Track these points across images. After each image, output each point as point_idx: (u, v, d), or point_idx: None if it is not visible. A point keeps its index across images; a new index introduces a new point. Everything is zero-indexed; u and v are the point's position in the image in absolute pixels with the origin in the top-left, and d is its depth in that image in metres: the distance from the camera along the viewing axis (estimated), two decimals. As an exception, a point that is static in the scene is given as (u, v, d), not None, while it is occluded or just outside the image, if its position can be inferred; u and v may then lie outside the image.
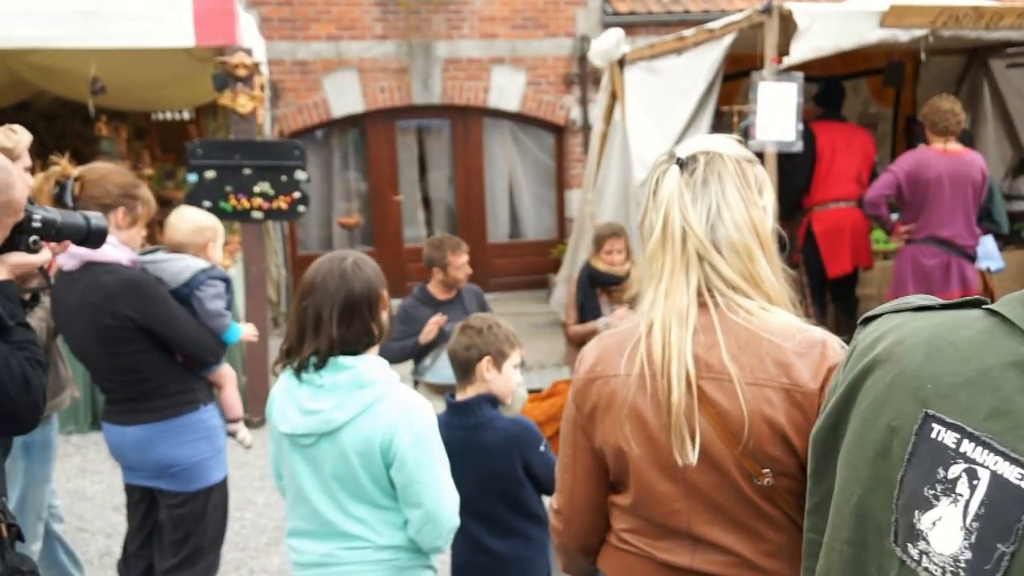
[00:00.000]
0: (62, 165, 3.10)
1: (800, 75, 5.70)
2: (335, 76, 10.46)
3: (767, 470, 1.71)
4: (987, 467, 1.04)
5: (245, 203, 6.67)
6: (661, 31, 10.25)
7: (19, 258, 2.33)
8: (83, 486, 5.93)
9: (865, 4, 5.85)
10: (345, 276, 2.47)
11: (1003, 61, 7.76)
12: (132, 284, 3.21)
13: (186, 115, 10.99)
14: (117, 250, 3.19)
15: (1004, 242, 7.11)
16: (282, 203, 6.78)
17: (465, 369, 3.06)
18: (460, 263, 5.28)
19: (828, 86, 7.03)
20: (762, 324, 1.74)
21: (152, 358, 3.30)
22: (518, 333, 3.23)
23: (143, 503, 3.57)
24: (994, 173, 7.06)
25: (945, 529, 1.06)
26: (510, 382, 3.10)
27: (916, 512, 1.10)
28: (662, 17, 10.96)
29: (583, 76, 11.01)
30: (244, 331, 3.63)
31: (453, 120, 11.13)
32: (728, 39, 6.20)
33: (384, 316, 2.55)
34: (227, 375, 3.59)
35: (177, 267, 3.38)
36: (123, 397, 3.36)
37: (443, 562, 2.94)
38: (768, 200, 1.88)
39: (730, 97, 7.35)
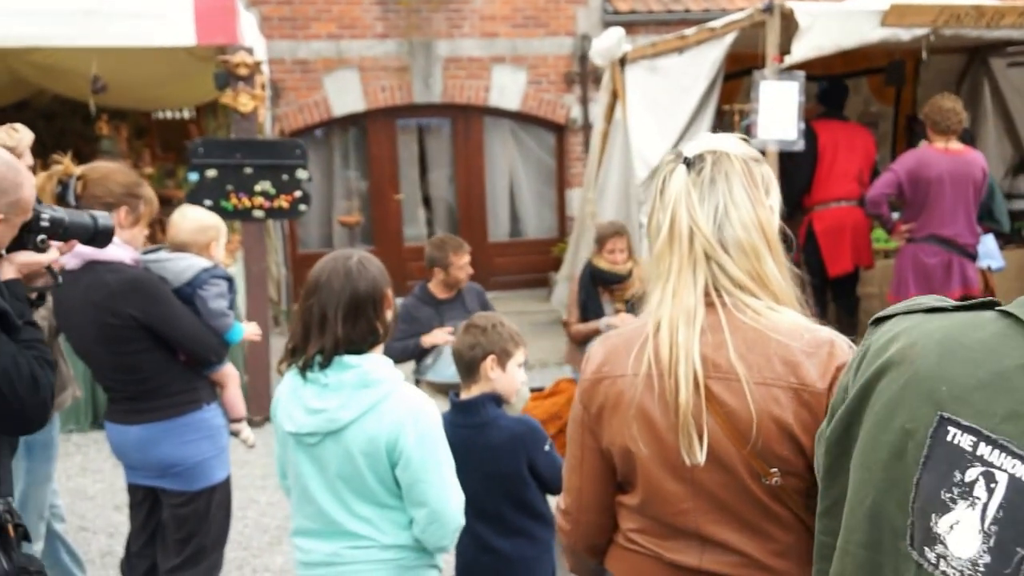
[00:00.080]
0: (65, 164, 3.10)
1: (802, 74, 5.70)
2: (336, 75, 10.45)
3: (775, 470, 1.71)
4: (1005, 470, 1.03)
5: (246, 202, 6.66)
6: (662, 30, 10.23)
7: (27, 257, 2.33)
8: (84, 485, 5.93)
9: (866, 3, 5.86)
10: (350, 275, 2.46)
11: (1003, 60, 7.77)
12: (135, 283, 3.21)
13: (186, 114, 10.99)
14: (120, 249, 3.19)
15: (1005, 241, 7.11)
16: (283, 202, 6.77)
17: (469, 368, 3.05)
18: (462, 263, 5.29)
19: (832, 85, 7.03)
20: (770, 324, 1.74)
21: (155, 357, 3.29)
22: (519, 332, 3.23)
23: (146, 502, 3.57)
24: (994, 172, 7.06)
25: (963, 533, 1.05)
26: (514, 381, 3.10)
27: (933, 515, 1.09)
28: (663, 16, 10.95)
29: (584, 75, 11.01)
30: (247, 330, 3.62)
31: (454, 119, 11.13)
32: (729, 38, 6.20)
33: (389, 315, 2.55)
34: (230, 374, 3.59)
35: (180, 266, 3.38)
36: (125, 396, 3.36)
37: (447, 562, 2.93)
38: (775, 199, 1.88)
39: (731, 96, 7.35)
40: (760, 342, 1.72)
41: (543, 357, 8.32)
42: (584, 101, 11.09)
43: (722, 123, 6.73)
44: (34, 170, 3.25)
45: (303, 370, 2.46)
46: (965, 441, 1.07)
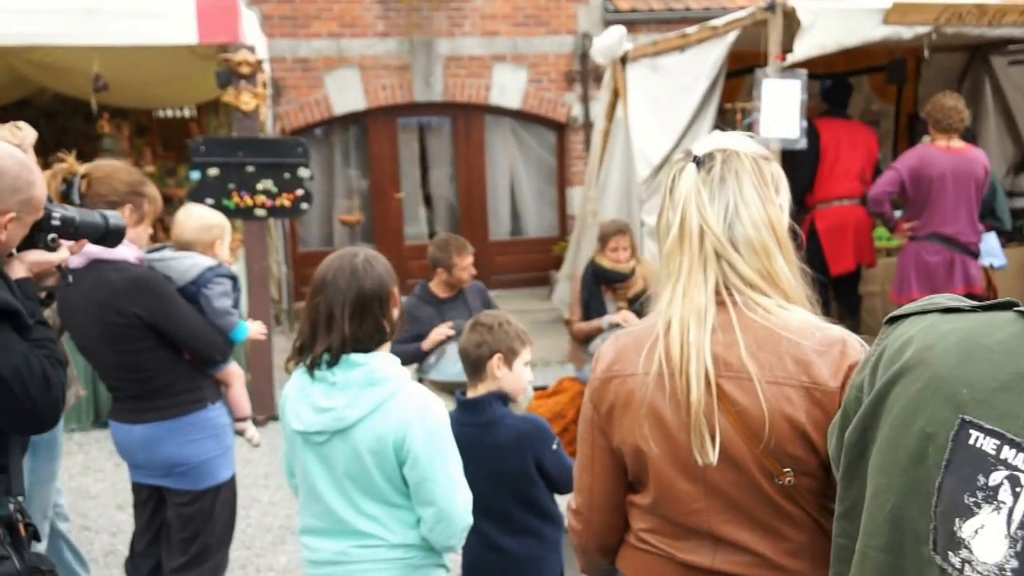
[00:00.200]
0: (69, 162, 3.09)
1: (804, 72, 5.69)
2: (336, 73, 10.45)
3: (788, 469, 1.71)
4: None
5: (248, 200, 6.65)
6: (662, 28, 10.23)
7: (37, 256, 2.33)
8: (86, 484, 5.92)
9: (868, 1, 5.85)
10: (356, 273, 2.46)
11: (1005, 58, 7.77)
12: (140, 282, 3.20)
13: (187, 112, 10.99)
14: (124, 247, 3.17)
15: (1007, 239, 7.11)
16: (285, 200, 6.77)
17: (476, 366, 3.05)
18: (465, 264, 5.29)
19: (836, 83, 7.03)
20: (780, 322, 1.73)
21: (159, 356, 3.29)
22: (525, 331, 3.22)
23: (150, 502, 3.56)
24: (996, 170, 7.06)
25: (988, 537, 1.04)
26: (521, 380, 3.09)
27: (956, 520, 1.08)
28: (663, 15, 10.95)
29: (584, 73, 11.00)
30: (251, 329, 3.62)
31: (454, 117, 11.12)
32: (731, 36, 6.19)
33: (395, 313, 2.55)
34: (235, 373, 3.58)
35: (184, 265, 3.37)
36: (130, 395, 3.35)
37: (454, 561, 2.93)
38: (784, 198, 1.88)
39: (732, 94, 7.34)
40: (771, 341, 1.72)
41: (545, 356, 8.32)
42: (585, 99, 11.08)
43: (724, 121, 6.71)
44: (37, 169, 3.25)
45: (310, 368, 2.46)
46: (988, 444, 1.06)
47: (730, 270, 1.77)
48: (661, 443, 1.79)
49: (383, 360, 2.47)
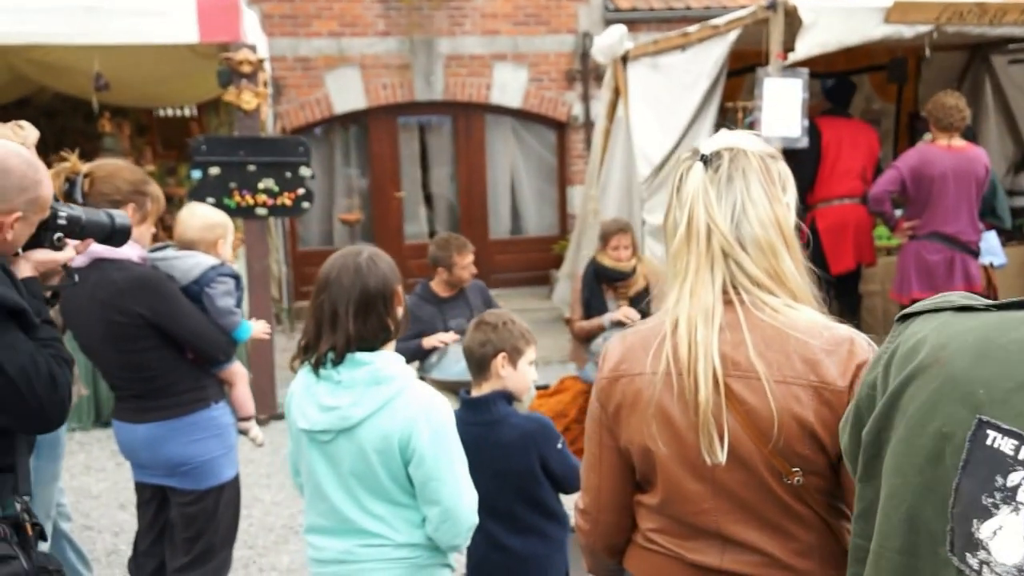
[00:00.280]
0: (72, 161, 3.09)
1: (805, 71, 5.70)
2: (337, 73, 10.45)
3: (797, 469, 1.71)
4: None
5: (249, 199, 6.65)
6: (663, 28, 10.23)
7: (43, 255, 2.33)
8: (88, 484, 5.92)
9: (869, 0, 5.85)
10: (360, 271, 2.46)
11: (1005, 57, 7.77)
12: (143, 281, 3.20)
13: (188, 112, 10.98)
14: (127, 247, 3.15)
15: (1007, 237, 7.11)
16: (286, 199, 6.77)
17: (480, 365, 3.05)
18: (465, 263, 5.29)
19: (839, 82, 7.03)
20: (788, 321, 1.73)
21: (162, 355, 3.28)
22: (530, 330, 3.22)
23: (154, 501, 3.55)
24: (996, 169, 7.07)
25: (1007, 538, 1.03)
26: (526, 379, 3.09)
27: (974, 521, 1.07)
28: (664, 14, 10.95)
29: (585, 72, 11.00)
30: (255, 328, 3.61)
31: (455, 116, 11.12)
32: (733, 35, 6.18)
33: (400, 311, 2.54)
34: (238, 372, 3.58)
35: (188, 264, 3.37)
36: (133, 395, 3.35)
37: (459, 560, 2.93)
38: (791, 196, 1.87)
39: (733, 93, 7.34)
40: (779, 340, 1.72)
41: (545, 355, 8.30)
42: (585, 98, 11.08)
43: (725, 120, 6.71)
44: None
45: (316, 367, 2.46)
46: (1006, 445, 1.05)
47: (737, 269, 1.77)
48: (669, 443, 1.79)
49: (388, 359, 2.46)
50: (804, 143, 5.78)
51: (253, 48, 6.65)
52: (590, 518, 2.02)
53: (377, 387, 2.41)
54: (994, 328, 1.13)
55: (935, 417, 1.12)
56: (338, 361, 2.43)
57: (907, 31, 5.83)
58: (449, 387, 4.75)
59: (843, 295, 7.09)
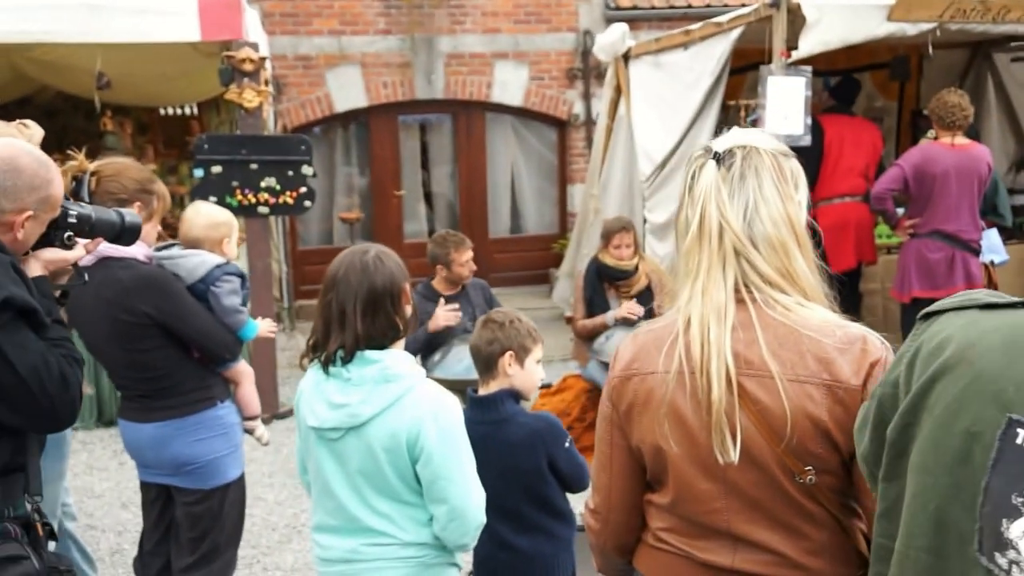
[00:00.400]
0: (79, 160, 3.08)
1: (809, 69, 5.70)
2: (338, 71, 10.43)
3: (809, 467, 1.70)
4: None
5: (251, 198, 6.64)
6: (664, 26, 10.23)
7: (53, 254, 2.32)
8: (91, 483, 5.91)
9: (872, -2, 5.86)
10: (367, 270, 2.45)
11: (1007, 55, 7.77)
12: (149, 280, 3.19)
13: (188, 110, 10.98)
14: (133, 245, 3.17)
15: (1007, 236, 7.11)
16: (288, 198, 6.76)
17: (487, 364, 3.04)
18: (464, 260, 5.28)
19: (844, 79, 7.03)
20: (800, 320, 1.72)
21: (168, 354, 3.27)
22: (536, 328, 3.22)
23: (159, 501, 3.55)
24: (998, 167, 7.07)
25: None
26: (533, 377, 3.09)
27: (1004, 520, 1.06)
28: (665, 12, 10.94)
29: (586, 71, 10.99)
30: (261, 327, 3.61)
31: (456, 115, 11.10)
32: (735, 33, 6.18)
33: (408, 310, 2.54)
34: (244, 372, 3.57)
35: (193, 263, 3.36)
36: (139, 394, 3.34)
37: (465, 559, 2.92)
38: (803, 194, 1.87)
39: (735, 91, 7.34)
40: (792, 338, 1.71)
41: (546, 353, 8.15)
42: (586, 97, 11.07)
43: (727, 118, 6.71)
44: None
45: (325, 365, 2.45)
46: None
47: (749, 268, 1.76)
48: (681, 442, 1.78)
49: (398, 357, 2.46)
50: (807, 141, 5.78)
51: (255, 46, 6.64)
52: (600, 517, 2.01)
53: (386, 385, 2.41)
54: (1022, 327, 1.13)
55: (964, 416, 1.12)
56: (347, 359, 2.42)
57: (910, 29, 5.84)
58: (451, 386, 4.74)
59: (843, 293, 7.07)
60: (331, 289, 2.47)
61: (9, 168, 2.16)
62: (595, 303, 5.99)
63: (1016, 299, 1.18)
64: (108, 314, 3.16)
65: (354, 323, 2.41)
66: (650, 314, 5.91)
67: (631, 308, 5.79)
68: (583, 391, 6.22)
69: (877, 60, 7.65)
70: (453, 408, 2.47)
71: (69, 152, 3.08)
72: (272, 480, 5.83)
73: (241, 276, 3.47)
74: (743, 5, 6.32)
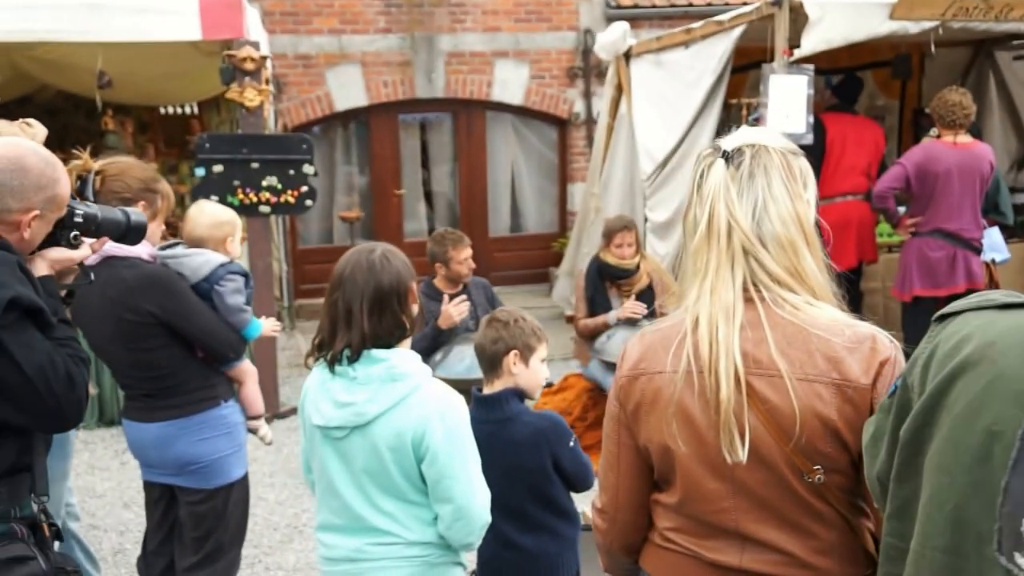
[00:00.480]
0: (83, 159, 3.07)
1: (811, 68, 5.69)
2: (338, 70, 10.42)
3: (818, 467, 1.70)
4: None
5: (253, 197, 6.63)
6: (664, 25, 10.24)
7: (59, 253, 2.32)
8: (92, 483, 5.91)
9: (875, -4, 5.86)
10: (373, 269, 2.45)
11: (1009, 53, 7.76)
12: (153, 279, 3.19)
13: (189, 109, 10.96)
14: (137, 244, 3.16)
15: (1009, 234, 7.10)
16: (290, 197, 6.75)
17: (492, 363, 3.04)
18: (462, 258, 5.27)
19: (847, 78, 7.02)
20: (809, 319, 1.72)
21: (172, 354, 3.27)
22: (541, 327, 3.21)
23: (162, 500, 3.54)
24: (1000, 165, 7.07)
25: None
26: (538, 376, 3.09)
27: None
28: (665, 11, 10.93)
29: (586, 69, 10.98)
30: (265, 326, 3.60)
31: (456, 113, 11.09)
32: (737, 31, 6.18)
33: (415, 309, 2.54)
34: (248, 371, 3.56)
35: (197, 262, 3.35)
36: (143, 394, 3.34)
37: (469, 559, 2.92)
38: (812, 193, 1.86)
39: (736, 90, 7.34)
40: (801, 338, 1.71)
41: (548, 352, 8.28)
42: (587, 95, 11.06)
43: (729, 117, 6.70)
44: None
45: (331, 364, 2.45)
46: None
47: (758, 267, 1.75)
48: (689, 441, 1.78)
49: (404, 356, 2.46)
50: (809, 140, 5.77)
51: (256, 45, 6.63)
52: (608, 517, 2.01)
53: (393, 384, 2.40)
54: None
55: (984, 415, 1.11)
56: (354, 358, 2.42)
57: (912, 27, 5.84)
58: (453, 386, 4.73)
59: (848, 292, 7.07)
60: (337, 288, 2.46)
61: (16, 168, 2.15)
62: (596, 302, 5.99)
63: None
64: (112, 313, 3.15)
65: (360, 322, 2.41)
66: (652, 314, 5.91)
67: (633, 307, 5.79)
68: (584, 390, 6.22)
69: (879, 58, 7.64)
70: (459, 407, 2.47)
71: (74, 151, 3.07)
72: (273, 480, 5.82)
73: (245, 275, 3.47)
74: (744, 3, 6.30)
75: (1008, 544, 1.08)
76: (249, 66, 6.52)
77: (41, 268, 2.27)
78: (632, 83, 7.47)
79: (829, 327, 1.72)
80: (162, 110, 11.01)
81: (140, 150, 10.21)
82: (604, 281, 6.02)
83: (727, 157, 1.80)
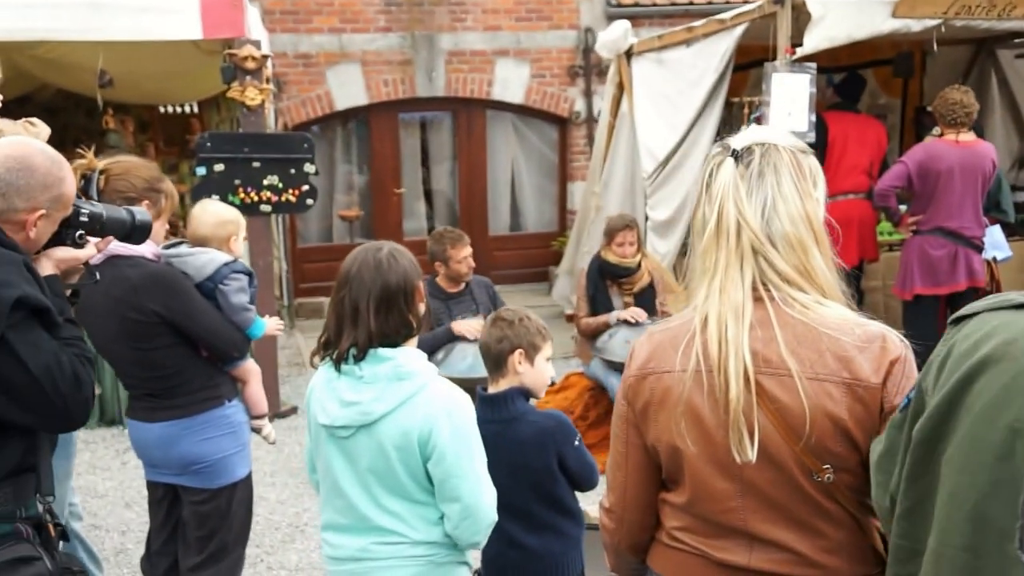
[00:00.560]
0: (88, 158, 3.07)
1: (813, 66, 5.68)
2: (338, 69, 10.40)
3: (827, 466, 1.70)
4: None
5: (254, 196, 6.62)
6: (665, 23, 10.24)
7: (65, 253, 2.31)
8: (94, 482, 5.90)
9: (877, -6, 5.84)
10: (380, 267, 2.44)
11: (1011, 51, 7.76)
12: (157, 278, 3.18)
13: (189, 108, 10.96)
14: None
15: (1010, 232, 7.10)
16: (291, 196, 6.74)
17: (497, 362, 3.03)
18: (461, 257, 5.26)
19: (850, 76, 7.01)
20: (818, 318, 1.72)
21: (177, 353, 3.26)
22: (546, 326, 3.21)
23: (165, 500, 3.54)
24: (1001, 163, 7.06)
25: None
26: (543, 375, 3.08)
27: None
28: (666, 9, 10.93)
29: (587, 68, 10.98)
30: (269, 325, 3.59)
31: (456, 112, 11.08)
32: (739, 30, 6.17)
33: (421, 308, 2.53)
34: (252, 370, 3.56)
35: (201, 261, 3.35)
36: (146, 393, 3.33)
37: (474, 557, 2.91)
38: (821, 192, 1.86)
39: (738, 88, 7.33)
40: (810, 337, 1.70)
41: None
42: (588, 94, 11.06)
43: (730, 115, 6.70)
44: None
45: (337, 363, 2.44)
46: None
47: (767, 266, 1.75)
48: (698, 441, 1.77)
49: (411, 355, 2.45)
50: (811, 138, 5.76)
51: (257, 44, 6.62)
52: (615, 516, 2.01)
53: (399, 383, 2.40)
54: None
55: (1006, 412, 1.11)
56: (360, 357, 2.41)
57: (915, 25, 5.83)
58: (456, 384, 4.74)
59: (854, 292, 7.06)
60: (344, 286, 2.45)
61: (22, 167, 2.15)
62: (598, 300, 5.99)
63: None
64: (117, 312, 3.15)
65: (367, 320, 2.40)
66: (653, 313, 5.91)
67: (635, 314, 5.79)
68: (586, 389, 6.21)
69: (880, 56, 7.63)
70: (466, 406, 2.47)
71: (79, 151, 3.07)
72: (274, 479, 5.81)
73: (249, 274, 3.46)
74: (746, 2, 6.29)
75: None
76: (250, 65, 6.51)
77: (47, 267, 2.27)
78: (633, 81, 7.47)
79: (839, 326, 1.71)
80: (162, 109, 11.00)
81: (140, 149, 10.22)
82: (605, 280, 6.01)
83: (736, 156, 1.80)
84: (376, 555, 2.50)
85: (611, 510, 2.02)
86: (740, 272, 1.76)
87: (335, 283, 2.50)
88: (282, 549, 4.88)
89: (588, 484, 3.04)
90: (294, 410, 7.12)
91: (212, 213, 3.49)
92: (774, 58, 5.77)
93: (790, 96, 5.66)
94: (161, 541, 3.56)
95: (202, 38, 6.51)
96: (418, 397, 2.40)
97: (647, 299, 5.96)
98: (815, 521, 1.74)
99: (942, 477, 1.20)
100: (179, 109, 11.10)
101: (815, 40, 5.60)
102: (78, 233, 2.33)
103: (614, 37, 7.54)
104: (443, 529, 2.51)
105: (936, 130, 6.13)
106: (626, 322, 5.81)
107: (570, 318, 8.06)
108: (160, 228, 3.28)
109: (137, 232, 2.56)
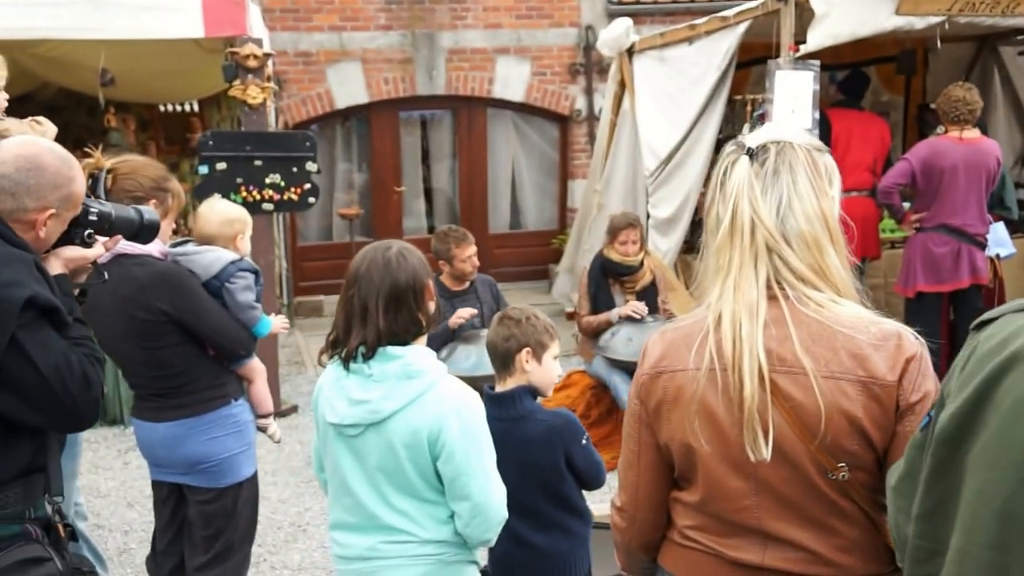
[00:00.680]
0: (95, 157, 3.06)
1: (817, 63, 5.67)
2: (338, 67, 10.39)
3: (842, 464, 1.69)
4: None
5: (256, 195, 6.61)
6: (667, 20, 10.23)
7: (74, 252, 2.30)
8: (96, 482, 5.89)
9: (881, -9, 5.83)
10: (389, 266, 2.44)
11: (1014, 48, 7.75)
12: (165, 276, 3.17)
13: (189, 107, 10.94)
14: (149, 242, 3.14)
15: (1014, 229, 7.10)
16: (293, 194, 6.73)
17: (504, 360, 3.03)
18: (465, 256, 5.26)
19: (853, 73, 7.00)
20: (833, 316, 1.71)
21: (184, 352, 3.25)
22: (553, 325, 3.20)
23: (171, 500, 3.53)
24: (1005, 160, 7.04)
25: None
26: (551, 373, 3.08)
27: None
28: (668, 6, 10.90)
29: (588, 66, 10.96)
30: (274, 323, 3.59)
31: (457, 110, 11.07)
32: (742, 27, 6.17)
33: (431, 306, 2.53)
34: (257, 369, 3.55)
35: (208, 259, 3.34)
36: (153, 393, 3.32)
37: (481, 556, 2.91)
38: (837, 190, 1.85)
39: (740, 86, 7.32)
40: (825, 335, 1.70)
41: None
42: (589, 92, 11.04)
43: (733, 113, 6.69)
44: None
45: (346, 361, 2.43)
46: None
47: (782, 264, 1.75)
48: (712, 439, 1.77)
49: (420, 353, 2.45)
50: (815, 136, 5.75)
51: (259, 42, 6.61)
52: (627, 515, 2.00)
53: (408, 381, 2.39)
54: None
55: None
56: (369, 355, 2.40)
57: (919, 22, 5.81)
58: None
59: (868, 290, 7.05)
60: (353, 285, 2.45)
61: (32, 166, 2.14)
62: (599, 299, 5.99)
63: None
64: (124, 311, 3.14)
65: (376, 319, 2.39)
66: (655, 310, 5.91)
67: (635, 308, 5.78)
68: (588, 387, 6.21)
69: (883, 54, 7.63)
70: (475, 404, 2.46)
71: (86, 150, 3.06)
72: (275, 479, 5.80)
73: (255, 272, 3.46)
74: (747, -1, 6.29)
75: None
76: (252, 63, 6.50)
77: (56, 267, 2.26)
78: (635, 79, 7.46)
79: (854, 324, 1.71)
80: (162, 108, 10.98)
81: (141, 148, 10.20)
82: (607, 278, 6.01)
83: (751, 154, 1.79)
84: (385, 554, 2.50)
85: (623, 508, 2.01)
86: (754, 270, 1.75)
87: (344, 282, 2.49)
88: (284, 548, 4.87)
89: (595, 483, 3.04)
90: (294, 409, 7.12)
91: (219, 211, 3.48)
92: (777, 55, 5.76)
93: (793, 94, 5.65)
94: (166, 541, 3.55)
95: (204, 36, 6.50)
96: (427, 395, 2.40)
97: (649, 297, 5.96)
98: (830, 520, 1.74)
99: (967, 475, 1.20)
100: (180, 108, 11.08)
101: (819, 37, 5.59)
102: (87, 232, 2.32)
103: (615, 35, 7.53)
104: (452, 528, 2.50)
105: (940, 128, 6.12)
106: (629, 319, 5.80)
107: (570, 316, 8.05)
108: (167, 227, 3.27)
109: (145, 231, 2.55)
